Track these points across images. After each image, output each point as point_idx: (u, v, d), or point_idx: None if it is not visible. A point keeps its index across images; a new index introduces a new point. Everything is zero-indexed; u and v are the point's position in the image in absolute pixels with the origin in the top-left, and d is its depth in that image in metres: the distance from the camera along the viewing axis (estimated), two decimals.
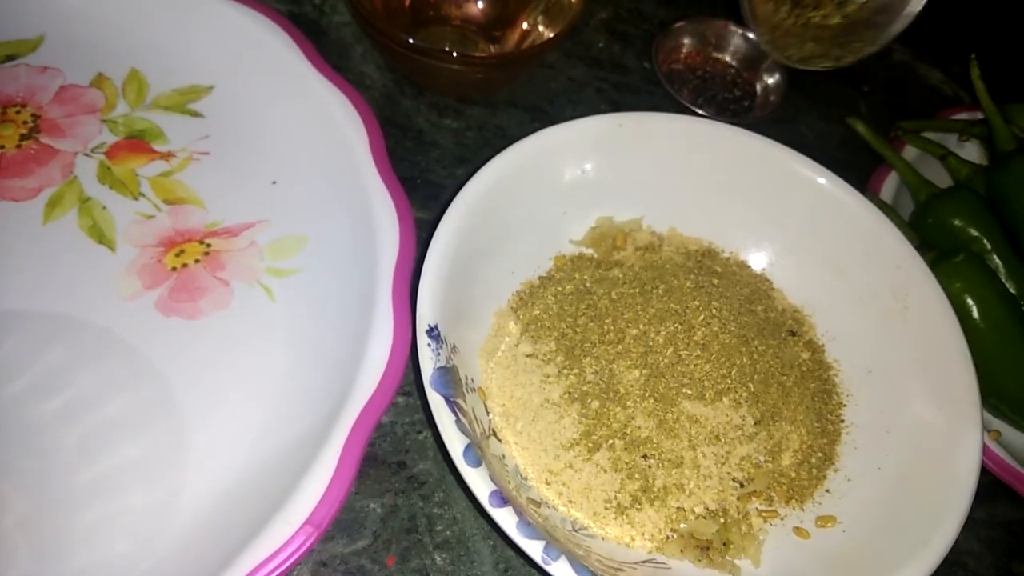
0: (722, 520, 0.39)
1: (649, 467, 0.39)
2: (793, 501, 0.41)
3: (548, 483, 0.39)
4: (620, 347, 0.41)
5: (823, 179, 0.46)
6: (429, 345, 0.36)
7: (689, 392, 0.40)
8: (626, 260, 0.46)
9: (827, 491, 0.41)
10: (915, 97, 0.70)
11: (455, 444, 0.34)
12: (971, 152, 0.62)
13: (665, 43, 0.63)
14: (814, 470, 0.41)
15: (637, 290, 0.43)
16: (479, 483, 0.33)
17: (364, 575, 0.38)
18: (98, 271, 0.42)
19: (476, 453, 0.34)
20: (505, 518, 0.32)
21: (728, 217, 0.48)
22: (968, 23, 0.75)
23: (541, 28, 0.55)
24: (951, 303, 0.43)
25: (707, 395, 0.40)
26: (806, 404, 0.42)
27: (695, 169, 0.47)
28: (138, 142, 0.47)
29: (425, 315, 0.37)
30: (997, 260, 0.51)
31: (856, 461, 0.42)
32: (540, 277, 0.46)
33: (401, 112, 0.54)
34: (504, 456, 0.39)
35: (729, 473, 0.39)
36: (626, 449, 0.39)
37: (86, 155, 0.46)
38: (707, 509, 0.39)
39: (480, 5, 0.57)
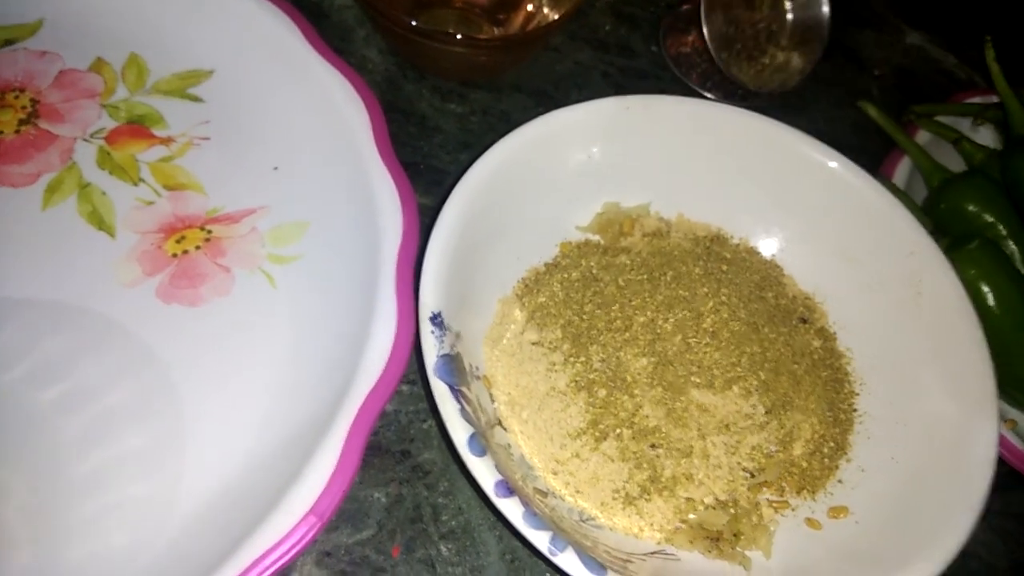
0: (732, 511, 0.38)
1: (657, 457, 0.38)
2: (805, 492, 0.40)
3: (555, 473, 0.38)
4: (627, 335, 0.40)
5: (835, 163, 0.45)
6: (433, 332, 0.36)
7: (698, 380, 0.39)
8: (633, 246, 0.46)
9: (839, 481, 0.41)
10: (928, 81, 0.69)
11: (459, 433, 0.33)
12: (985, 136, 0.60)
13: (674, 25, 0.62)
14: (826, 460, 0.41)
15: (645, 277, 0.42)
16: (484, 473, 0.32)
17: (369, 565, 0.38)
18: (98, 257, 0.42)
19: (481, 442, 0.33)
20: (511, 508, 0.32)
21: (737, 202, 0.47)
22: (982, 5, 0.74)
23: (546, 10, 0.54)
24: (966, 290, 0.43)
25: (716, 383, 0.39)
26: (818, 393, 0.42)
27: (703, 153, 0.46)
28: (138, 127, 0.46)
29: (428, 302, 0.36)
30: (1013, 246, 0.50)
31: (869, 451, 0.41)
32: (546, 264, 0.45)
33: (404, 96, 0.53)
34: (510, 445, 0.38)
35: (739, 463, 0.39)
36: (634, 438, 0.38)
37: (85, 140, 0.45)
38: (717, 500, 0.38)
39: None
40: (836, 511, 0.39)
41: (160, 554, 0.35)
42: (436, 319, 0.36)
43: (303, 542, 0.33)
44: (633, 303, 0.41)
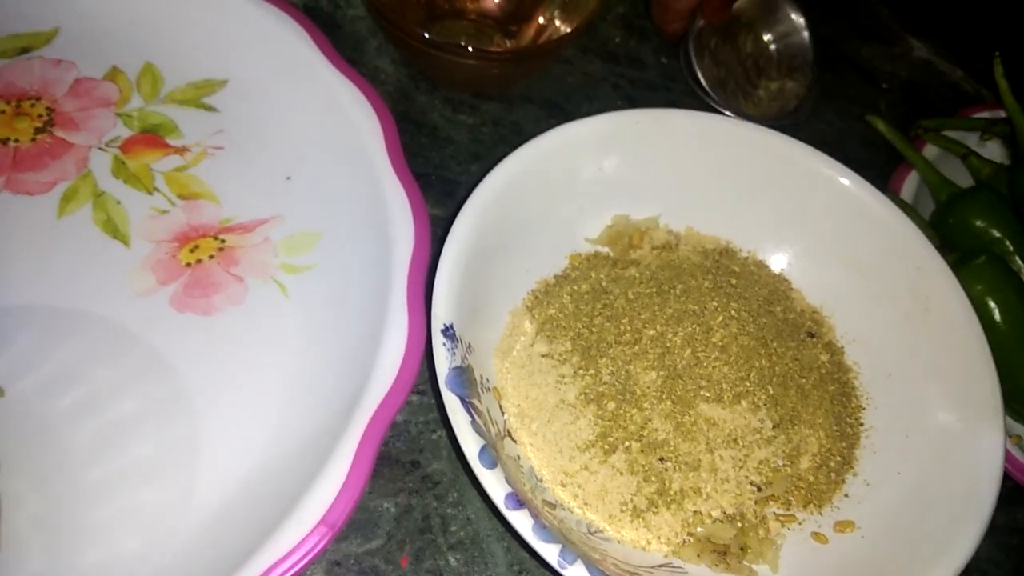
0: (739, 524, 0.38)
1: (666, 470, 0.38)
2: (811, 506, 0.40)
3: (563, 485, 0.38)
4: (637, 348, 0.40)
5: (843, 178, 0.46)
6: (444, 345, 0.36)
7: (707, 394, 0.39)
8: (643, 259, 0.46)
9: (846, 496, 0.41)
10: (936, 95, 0.69)
11: (470, 445, 0.33)
12: (993, 151, 0.61)
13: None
14: (833, 474, 0.41)
15: (654, 290, 0.43)
16: (495, 485, 0.33)
17: (378, 575, 0.38)
18: (112, 266, 0.42)
19: (491, 454, 0.33)
20: (521, 521, 0.32)
21: (746, 216, 0.48)
22: (990, 19, 0.75)
23: (558, 23, 0.54)
24: (973, 305, 0.43)
25: (725, 397, 0.40)
26: (825, 407, 0.42)
27: (713, 167, 0.47)
28: (152, 136, 0.47)
29: (440, 315, 0.37)
30: (1020, 262, 0.51)
31: (876, 465, 0.42)
32: (555, 276, 0.45)
33: (416, 107, 0.53)
34: (519, 457, 0.38)
35: (747, 477, 0.39)
36: (643, 451, 0.38)
37: (100, 149, 0.46)
38: (724, 513, 0.38)
39: (496, 0, 0.56)
40: (842, 525, 0.40)
41: (171, 562, 0.35)
42: (448, 331, 0.36)
43: (314, 552, 0.34)
44: (642, 316, 0.41)
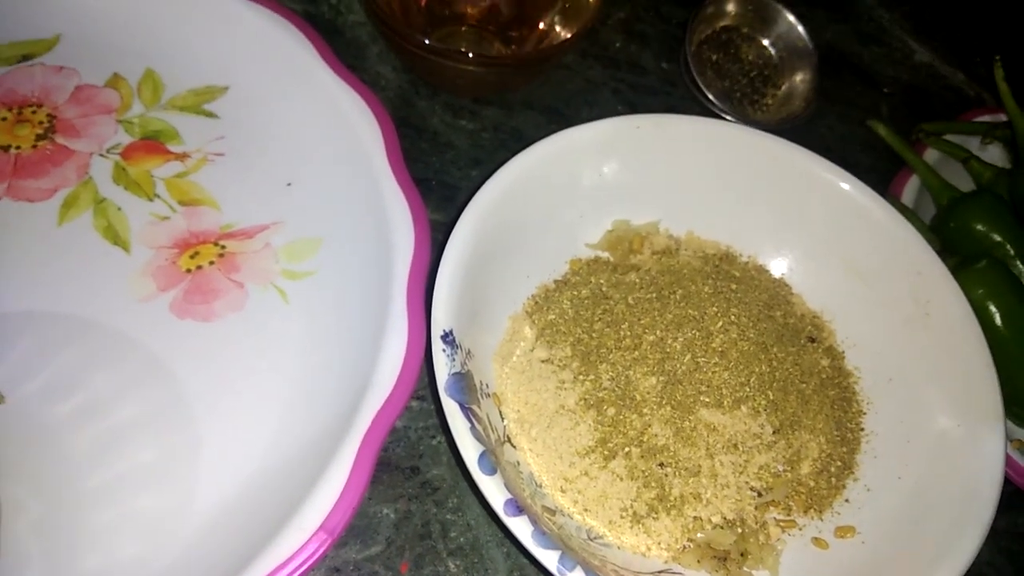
0: (740, 530, 0.38)
1: (666, 475, 0.38)
2: (812, 511, 0.40)
3: (563, 491, 0.38)
4: (637, 353, 0.40)
5: (843, 182, 0.45)
6: (444, 351, 0.36)
7: (707, 400, 0.39)
8: (643, 264, 0.46)
9: (846, 501, 0.41)
10: (937, 99, 0.69)
11: (470, 452, 0.33)
12: (994, 155, 0.61)
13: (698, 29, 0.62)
14: (833, 479, 0.41)
15: (654, 295, 0.43)
16: (494, 491, 0.33)
17: None
18: (113, 272, 0.42)
19: (491, 460, 0.33)
20: (520, 527, 0.32)
21: (746, 221, 0.48)
22: (991, 23, 0.75)
23: (558, 28, 0.54)
24: (973, 310, 0.43)
25: (725, 403, 0.40)
26: (825, 412, 0.42)
27: (713, 172, 0.47)
28: (153, 143, 0.47)
29: (440, 320, 0.37)
30: (1021, 266, 0.50)
31: (876, 471, 0.41)
32: (555, 281, 0.45)
33: (416, 113, 0.53)
34: (519, 463, 0.38)
35: (747, 482, 0.39)
36: (642, 457, 0.38)
37: (101, 156, 0.46)
38: (724, 519, 0.38)
39: (496, 5, 0.56)
40: (843, 531, 0.39)
41: (170, 568, 0.36)
42: (448, 337, 0.36)
43: (313, 558, 0.34)
44: (642, 322, 0.41)
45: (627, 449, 0.38)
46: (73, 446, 0.38)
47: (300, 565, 0.33)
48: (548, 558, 0.32)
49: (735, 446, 0.39)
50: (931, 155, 0.59)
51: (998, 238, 0.51)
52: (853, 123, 0.64)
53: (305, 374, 0.41)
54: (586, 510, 0.38)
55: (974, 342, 0.42)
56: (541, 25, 0.55)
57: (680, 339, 0.41)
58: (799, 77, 0.62)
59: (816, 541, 0.39)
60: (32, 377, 0.39)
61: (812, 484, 0.40)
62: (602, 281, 0.44)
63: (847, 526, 0.39)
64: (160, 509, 0.37)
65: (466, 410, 0.35)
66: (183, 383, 0.40)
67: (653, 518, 0.38)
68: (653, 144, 0.46)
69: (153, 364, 0.40)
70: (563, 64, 0.59)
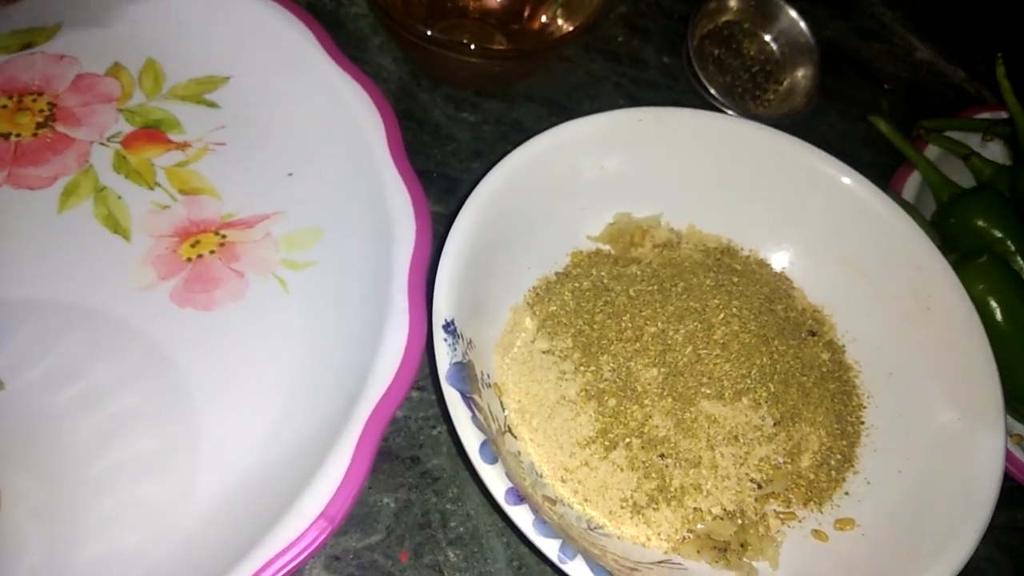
0: (740, 521, 0.38)
1: (666, 466, 0.38)
2: (811, 503, 0.40)
3: (564, 481, 0.38)
4: (638, 345, 0.40)
5: (845, 177, 0.46)
6: (445, 340, 0.36)
7: (708, 391, 0.39)
8: (644, 257, 0.46)
9: (846, 494, 0.41)
10: (938, 96, 0.69)
11: (471, 440, 0.33)
12: (994, 152, 0.61)
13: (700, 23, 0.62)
14: (833, 472, 0.41)
15: (655, 287, 0.43)
16: (495, 480, 0.33)
17: (377, 570, 0.38)
18: (113, 261, 0.42)
19: (492, 450, 0.33)
20: (521, 516, 0.32)
21: (748, 214, 0.48)
22: (992, 21, 0.75)
23: (560, 21, 0.54)
24: (974, 304, 0.43)
25: (726, 395, 0.40)
26: (826, 405, 0.42)
27: (715, 165, 0.47)
28: (154, 132, 0.47)
29: (441, 310, 0.37)
30: (1021, 262, 0.51)
31: (876, 464, 0.42)
32: (557, 273, 0.45)
33: (418, 105, 0.53)
34: (519, 453, 0.38)
35: (747, 474, 0.39)
36: (643, 448, 0.38)
37: (102, 144, 0.46)
38: (724, 510, 0.38)
39: None
40: (842, 523, 0.39)
41: (171, 556, 0.36)
42: (449, 327, 0.36)
43: (314, 546, 0.34)
44: (644, 313, 0.41)
45: (628, 440, 0.39)
46: (73, 434, 0.38)
47: (300, 552, 0.33)
48: (549, 547, 0.32)
49: (736, 438, 0.39)
50: (932, 151, 0.59)
51: (998, 234, 0.51)
52: (854, 119, 0.64)
53: (306, 363, 0.41)
54: (586, 500, 0.38)
55: (975, 337, 0.42)
56: (543, 18, 0.55)
57: (682, 331, 0.41)
58: (800, 73, 0.62)
59: (816, 533, 0.39)
60: (32, 365, 0.39)
61: (812, 477, 0.40)
62: (603, 273, 0.44)
63: (847, 519, 0.40)
64: (161, 497, 0.37)
65: (467, 399, 0.35)
66: (184, 372, 0.40)
67: (653, 509, 0.38)
68: (655, 137, 0.46)
69: (154, 353, 0.40)
70: (565, 57, 0.59)
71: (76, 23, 0.49)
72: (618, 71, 0.60)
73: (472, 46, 0.49)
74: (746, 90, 0.61)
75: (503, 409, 0.40)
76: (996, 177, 0.55)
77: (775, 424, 0.40)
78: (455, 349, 0.36)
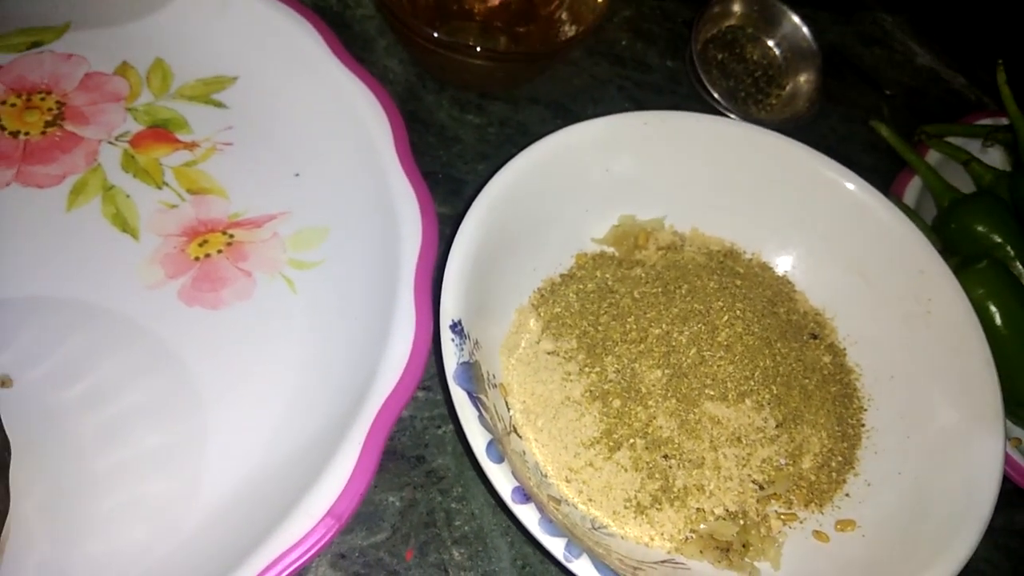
0: (742, 522, 0.39)
1: (670, 467, 0.39)
2: (813, 505, 0.40)
3: (568, 481, 0.39)
4: (642, 346, 0.41)
5: (847, 181, 0.46)
6: (453, 340, 0.36)
7: (712, 393, 0.40)
8: (648, 259, 0.46)
9: (847, 495, 0.41)
10: (938, 102, 0.69)
11: (478, 440, 0.34)
12: (995, 158, 0.61)
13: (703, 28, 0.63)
14: (834, 474, 0.41)
15: (660, 289, 0.43)
16: (502, 479, 0.33)
17: (383, 568, 0.38)
18: (121, 259, 0.43)
19: (498, 449, 0.34)
20: (527, 515, 0.32)
21: (751, 218, 0.48)
22: (992, 28, 0.75)
23: (565, 25, 0.55)
24: (974, 309, 0.43)
25: (730, 396, 0.40)
26: (827, 408, 0.42)
27: (719, 169, 0.47)
28: (162, 131, 0.47)
29: (449, 310, 0.37)
30: (1020, 267, 0.51)
31: (876, 466, 0.42)
32: (561, 275, 0.45)
33: (423, 107, 0.54)
34: (524, 453, 0.39)
35: (749, 475, 0.39)
36: (647, 448, 0.39)
37: (110, 143, 0.46)
38: (727, 511, 0.39)
39: (505, 0, 0.56)
40: (843, 524, 0.40)
41: (178, 552, 0.36)
42: (456, 327, 0.37)
43: (321, 544, 0.34)
44: (648, 315, 0.42)
45: (632, 440, 0.39)
46: (80, 431, 0.38)
47: (307, 550, 0.34)
48: (555, 545, 0.32)
49: (738, 439, 0.39)
50: (932, 157, 0.59)
51: (998, 239, 0.52)
52: (855, 124, 0.64)
53: (312, 362, 0.41)
54: (590, 500, 0.38)
55: (974, 341, 0.42)
56: (548, 21, 0.55)
57: (686, 333, 0.41)
58: (803, 78, 0.62)
59: (817, 534, 0.40)
60: (40, 362, 0.39)
61: (813, 478, 0.41)
62: (608, 275, 0.44)
63: (847, 520, 0.40)
64: (167, 495, 0.37)
65: (474, 399, 0.35)
66: (191, 370, 0.40)
67: (656, 509, 0.38)
68: (659, 141, 0.46)
69: (161, 351, 0.41)
70: (569, 61, 0.59)
71: (85, 22, 0.50)
72: (622, 75, 0.60)
73: (478, 48, 0.49)
74: (749, 94, 0.61)
75: (508, 409, 0.40)
76: (996, 183, 0.56)
77: (777, 426, 0.40)
78: (462, 349, 0.36)
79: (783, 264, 0.48)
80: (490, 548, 0.40)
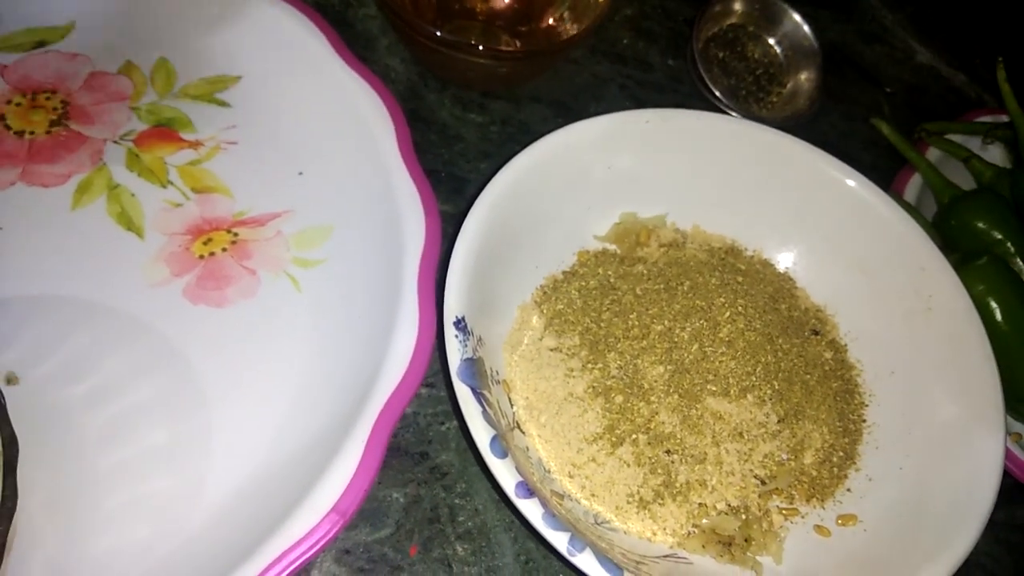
0: (744, 517, 0.39)
1: (672, 462, 0.39)
2: (814, 499, 0.41)
3: (571, 476, 0.39)
4: (645, 343, 0.41)
5: (848, 179, 0.46)
6: (457, 336, 0.36)
7: (714, 388, 0.40)
8: (650, 256, 0.46)
9: (848, 490, 0.41)
10: (939, 99, 0.69)
11: (482, 435, 0.34)
12: (995, 155, 0.61)
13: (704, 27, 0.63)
14: (835, 469, 0.41)
15: (662, 286, 0.43)
16: (505, 474, 0.33)
17: (387, 564, 0.38)
18: (126, 258, 0.43)
19: (502, 444, 0.34)
20: (531, 509, 0.33)
21: (752, 215, 0.48)
22: (992, 26, 0.75)
23: (567, 23, 0.55)
24: (974, 305, 0.43)
25: (731, 392, 0.40)
26: (829, 403, 0.42)
27: (720, 167, 0.47)
28: (166, 130, 0.47)
29: (453, 307, 0.37)
30: (1020, 263, 0.51)
31: (878, 461, 0.42)
32: (564, 272, 0.46)
33: (425, 106, 0.54)
34: (528, 449, 0.39)
35: (751, 470, 0.40)
36: (649, 444, 0.39)
37: (115, 142, 0.46)
38: (729, 505, 0.39)
39: (506, 0, 0.57)
40: (845, 519, 0.40)
41: (183, 549, 0.36)
42: (460, 323, 0.37)
43: (326, 539, 0.34)
44: (650, 312, 0.42)
45: (634, 436, 0.39)
46: (86, 428, 0.38)
47: (312, 545, 0.34)
48: (558, 539, 0.32)
49: (740, 434, 0.40)
50: (933, 154, 0.60)
51: (998, 236, 0.52)
52: (856, 121, 0.64)
53: (317, 360, 0.41)
54: (593, 495, 0.38)
55: (975, 337, 0.42)
56: (550, 20, 0.56)
57: (688, 329, 0.41)
58: (804, 76, 0.62)
59: (818, 529, 0.40)
60: (46, 360, 0.39)
61: (815, 473, 0.41)
62: (610, 272, 0.45)
63: (849, 514, 0.40)
64: (172, 492, 0.37)
65: (478, 395, 0.35)
66: (195, 368, 0.40)
67: (659, 504, 0.38)
68: (661, 139, 0.46)
69: (166, 348, 0.41)
70: (571, 59, 0.59)
71: (89, 22, 0.50)
72: (623, 73, 0.60)
73: (480, 47, 0.49)
74: (750, 92, 0.62)
75: (511, 406, 0.40)
76: (996, 180, 0.56)
77: (779, 421, 0.40)
78: (466, 345, 0.37)
79: (784, 261, 0.48)
80: (493, 543, 0.40)
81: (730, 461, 0.39)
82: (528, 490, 0.33)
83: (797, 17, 0.63)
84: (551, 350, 0.42)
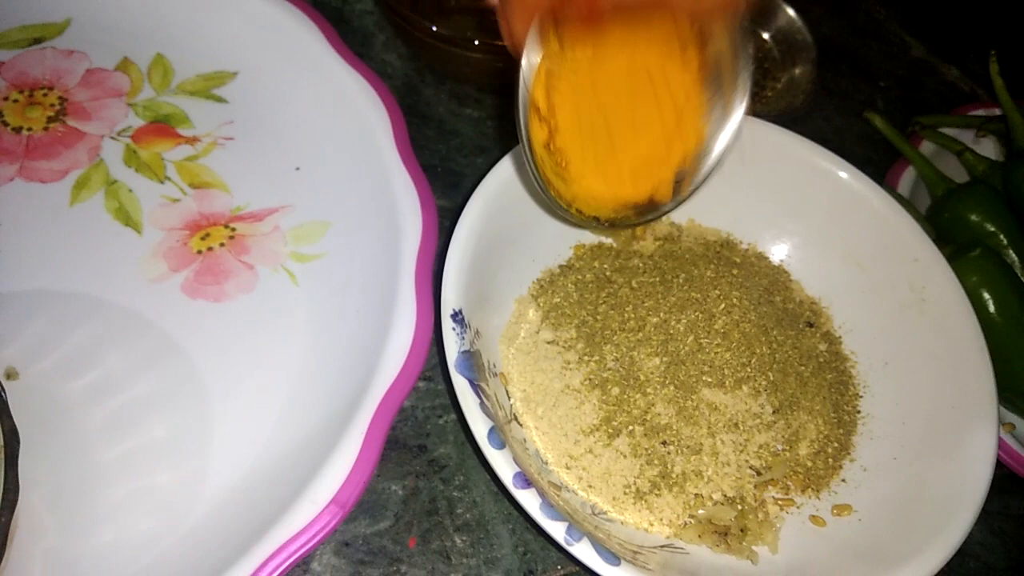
0: (739, 507, 0.39)
1: (668, 453, 0.39)
2: (809, 490, 0.41)
3: (568, 468, 0.39)
4: (641, 335, 0.41)
5: (842, 172, 0.46)
6: (454, 329, 0.37)
7: (709, 380, 0.40)
8: (645, 250, 0.47)
9: (843, 481, 0.42)
10: (932, 93, 0.70)
11: (480, 427, 0.34)
12: (987, 148, 0.62)
13: None
14: (830, 460, 0.42)
15: (657, 279, 0.43)
16: (503, 465, 0.34)
17: (386, 556, 0.39)
18: (124, 253, 0.43)
19: (500, 436, 0.34)
20: (529, 500, 0.33)
21: (746, 209, 0.49)
22: (985, 20, 0.76)
23: None
24: (968, 297, 0.44)
25: (727, 383, 0.40)
26: (823, 394, 0.43)
27: None
28: (163, 126, 0.47)
29: (450, 299, 0.37)
30: (1013, 255, 0.52)
31: (872, 452, 0.42)
32: (560, 265, 0.46)
33: (422, 101, 0.54)
34: (525, 441, 0.39)
35: (747, 461, 0.40)
36: (646, 435, 0.39)
37: (112, 138, 0.46)
38: (725, 496, 0.39)
39: None
40: (840, 509, 0.40)
41: (184, 541, 0.36)
42: (457, 316, 0.37)
43: (325, 531, 0.34)
44: (646, 304, 0.42)
45: (631, 427, 0.39)
46: (87, 422, 0.38)
47: (312, 537, 0.34)
48: (556, 529, 0.33)
49: (736, 425, 0.40)
50: (926, 147, 0.60)
51: (991, 228, 0.52)
52: (850, 115, 0.65)
53: (315, 353, 0.42)
54: (590, 486, 0.39)
55: (968, 328, 0.43)
56: None
57: (683, 321, 0.42)
58: (798, 70, 0.63)
59: (814, 519, 0.40)
60: (46, 354, 0.39)
61: (810, 464, 0.41)
62: (605, 266, 0.45)
63: (844, 505, 0.40)
64: (173, 485, 0.38)
65: (475, 387, 0.36)
66: (195, 362, 0.41)
67: (655, 495, 0.39)
68: None
69: (165, 343, 0.41)
70: None
71: (86, 18, 0.50)
72: None
73: (477, 42, 0.49)
74: None
75: (509, 398, 0.40)
76: (989, 172, 0.56)
77: (774, 412, 0.41)
78: (463, 338, 0.37)
79: (779, 253, 0.49)
80: (492, 535, 0.40)
81: (726, 452, 0.40)
82: (526, 481, 0.33)
83: (791, 12, 0.63)
84: (548, 343, 0.42)
